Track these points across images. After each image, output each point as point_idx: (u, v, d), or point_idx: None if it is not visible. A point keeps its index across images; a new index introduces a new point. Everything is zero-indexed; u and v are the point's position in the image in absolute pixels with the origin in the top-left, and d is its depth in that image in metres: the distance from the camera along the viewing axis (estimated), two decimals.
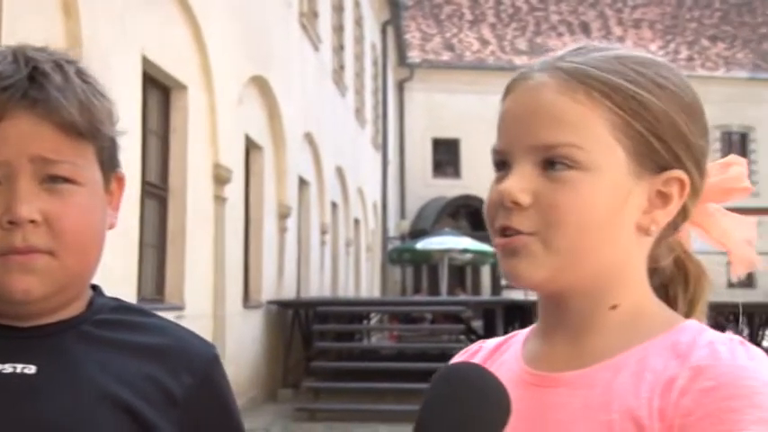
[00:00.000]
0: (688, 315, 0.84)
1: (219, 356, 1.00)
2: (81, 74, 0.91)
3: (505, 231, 0.79)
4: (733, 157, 0.88)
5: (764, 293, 24.96)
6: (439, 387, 0.72)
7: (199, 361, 0.97)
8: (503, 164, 0.82)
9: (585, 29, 28.83)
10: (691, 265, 0.86)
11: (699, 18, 30.32)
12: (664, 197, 0.80)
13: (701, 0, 30.77)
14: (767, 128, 27.83)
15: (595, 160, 0.77)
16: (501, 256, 0.81)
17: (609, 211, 0.78)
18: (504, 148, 0.82)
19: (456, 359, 0.94)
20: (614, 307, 0.80)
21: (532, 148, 0.79)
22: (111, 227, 0.96)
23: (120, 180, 0.98)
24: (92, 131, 0.90)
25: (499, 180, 0.81)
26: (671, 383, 0.72)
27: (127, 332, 0.95)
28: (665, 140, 0.79)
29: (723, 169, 0.87)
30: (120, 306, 0.98)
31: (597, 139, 0.78)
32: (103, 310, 0.96)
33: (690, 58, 28.63)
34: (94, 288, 0.99)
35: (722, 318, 10.96)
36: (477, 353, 0.93)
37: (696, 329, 0.77)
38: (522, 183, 0.78)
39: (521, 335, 0.91)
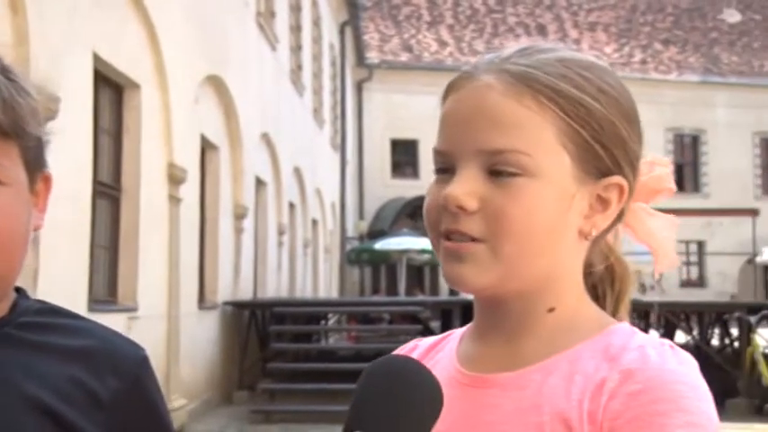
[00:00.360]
0: (614, 313, 0.85)
1: (148, 358, 0.98)
2: (5, 71, 0.88)
3: (452, 235, 0.78)
4: (657, 158, 0.88)
5: (715, 293, 25.46)
6: (371, 379, 0.71)
7: (126, 363, 0.95)
8: (444, 165, 0.81)
9: (542, 31, 29.13)
10: (617, 266, 0.87)
11: (652, 22, 30.83)
12: (603, 202, 0.80)
13: (654, 4, 31.29)
14: (718, 130, 28.41)
15: (542, 166, 0.76)
16: (445, 260, 0.79)
17: (554, 217, 0.77)
18: (447, 150, 0.80)
19: None
20: (551, 310, 0.80)
21: (478, 152, 0.77)
22: (37, 228, 0.94)
23: (47, 180, 0.96)
24: (16, 130, 0.87)
25: (441, 182, 0.80)
26: (601, 386, 0.73)
27: (51, 335, 0.93)
28: (607, 147, 0.79)
29: (649, 168, 0.87)
30: (44, 308, 0.96)
31: (544, 145, 0.77)
32: (27, 313, 0.93)
33: (643, 62, 29.10)
34: (18, 290, 0.96)
35: (674, 317, 11.17)
36: (412, 351, 0.92)
37: (627, 332, 0.77)
38: (467, 187, 0.77)
39: (456, 334, 0.90)
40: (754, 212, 16.40)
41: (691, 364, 0.73)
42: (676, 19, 30.94)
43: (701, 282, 27.46)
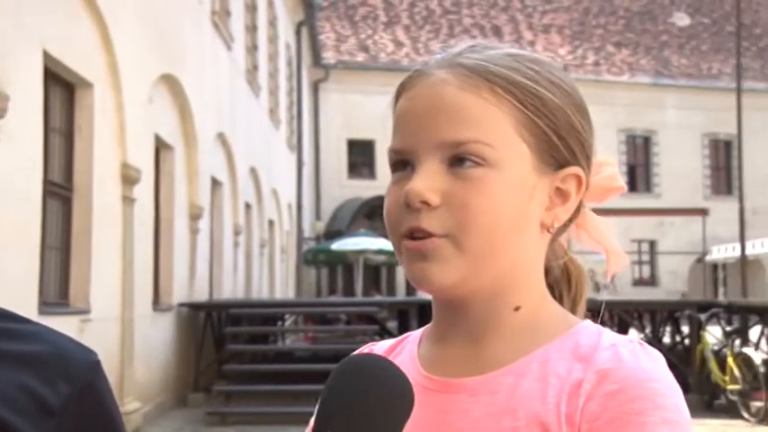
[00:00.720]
0: (573, 313, 0.84)
1: (101, 363, 0.96)
2: None
3: (414, 234, 0.77)
4: (605, 158, 0.88)
5: (666, 292, 25.94)
6: (340, 378, 0.69)
7: (77, 368, 0.91)
8: (402, 164, 0.79)
9: (497, 32, 29.37)
10: (572, 267, 0.86)
11: (604, 25, 31.29)
12: (562, 194, 0.80)
13: (606, 7, 31.76)
14: (668, 132, 28.95)
15: (502, 157, 0.76)
16: (408, 260, 0.78)
17: (517, 208, 0.77)
18: (405, 147, 0.79)
19: None
20: (517, 309, 0.79)
21: (438, 146, 0.76)
22: None
23: None
24: None
25: (400, 181, 0.78)
26: (577, 388, 0.72)
27: None
28: (563, 137, 0.79)
29: (598, 169, 0.86)
30: None
31: (503, 135, 0.76)
32: None
33: (596, 63, 29.53)
34: None
35: (627, 315, 11.35)
36: None
37: (594, 331, 0.77)
38: (429, 182, 0.75)
39: (414, 336, 0.88)
40: (703, 212, 16.74)
41: (661, 361, 0.74)
42: (628, 22, 31.45)
43: (652, 280, 27.95)
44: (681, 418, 0.70)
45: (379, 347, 0.90)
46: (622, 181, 0.88)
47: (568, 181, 0.80)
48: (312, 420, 0.90)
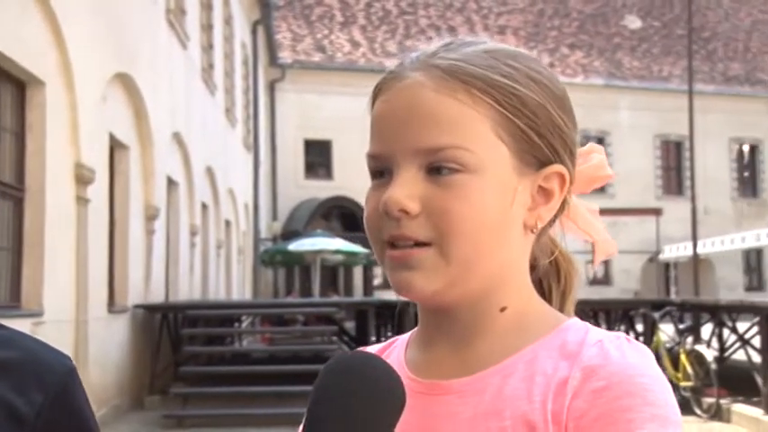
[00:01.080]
0: (561, 308, 0.84)
1: (76, 369, 0.92)
2: None
3: (396, 241, 0.75)
4: (593, 146, 0.87)
5: (619, 290, 26.36)
6: (330, 377, 0.68)
7: (51, 375, 0.89)
8: (380, 169, 0.78)
9: (453, 33, 29.45)
10: (562, 260, 0.86)
11: (559, 27, 31.65)
12: (545, 193, 0.79)
13: (560, 10, 32.13)
14: (621, 132, 29.40)
15: (482, 161, 0.74)
16: (392, 269, 0.76)
17: (499, 212, 0.75)
18: (382, 153, 0.77)
19: None
20: (503, 309, 0.78)
21: (416, 152, 0.75)
22: None
23: None
24: None
25: (379, 187, 0.77)
26: (563, 385, 0.71)
27: None
28: (543, 135, 0.77)
29: (585, 158, 0.85)
30: None
31: (481, 138, 0.75)
32: None
33: (551, 65, 29.83)
34: None
35: (583, 314, 11.51)
36: None
37: (581, 328, 0.76)
38: (407, 189, 0.74)
39: (401, 340, 0.87)
40: (657, 212, 17.03)
41: (649, 356, 0.73)
42: (581, 24, 31.86)
43: (606, 280, 28.36)
44: (670, 413, 0.70)
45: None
46: (610, 169, 0.87)
47: (551, 179, 0.79)
48: (303, 422, 0.89)
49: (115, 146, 9.44)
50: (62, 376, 0.90)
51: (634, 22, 30.52)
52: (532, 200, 0.78)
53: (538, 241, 0.82)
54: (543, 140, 0.77)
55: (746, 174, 31.06)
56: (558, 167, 0.79)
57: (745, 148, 31.03)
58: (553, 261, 0.85)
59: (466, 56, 0.77)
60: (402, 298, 0.79)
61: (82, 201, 7.86)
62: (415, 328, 0.85)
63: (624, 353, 0.72)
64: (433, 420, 0.76)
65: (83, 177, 7.81)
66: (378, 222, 0.76)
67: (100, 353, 8.32)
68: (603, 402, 0.69)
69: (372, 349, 0.89)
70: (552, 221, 0.82)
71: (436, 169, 0.74)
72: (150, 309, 10.23)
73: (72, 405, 0.91)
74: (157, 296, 11.00)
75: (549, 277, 0.85)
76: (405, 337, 0.87)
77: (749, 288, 29.71)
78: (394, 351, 0.86)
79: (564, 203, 0.81)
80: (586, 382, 0.70)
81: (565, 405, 0.70)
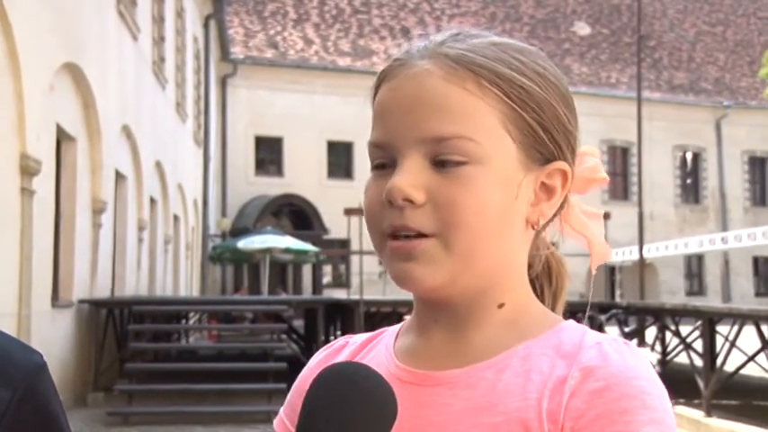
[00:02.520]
0: (552, 308, 0.84)
1: (46, 365, 0.88)
2: None
3: (398, 232, 0.73)
4: (588, 148, 0.87)
5: (566, 293, 26.73)
6: (321, 389, 0.66)
7: (18, 372, 0.85)
8: (383, 159, 0.76)
9: (406, 34, 29.60)
10: (553, 261, 0.85)
11: (510, 31, 31.98)
12: (548, 189, 0.78)
13: (511, 14, 32.50)
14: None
15: (488, 153, 0.73)
16: (391, 260, 0.74)
17: (504, 206, 0.74)
18: (387, 141, 0.75)
19: (320, 354, 0.88)
20: (501, 305, 0.77)
21: (422, 141, 0.73)
22: None
23: None
24: None
25: (381, 178, 0.75)
26: (561, 384, 0.70)
27: None
28: (549, 131, 0.77)
29: (580, 159, 0.84)
30: None
31: (488, 130, 0.73)
32: None
33: None
34: None
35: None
36: (343, 348, 0.87)
37: (577, 330, 0.75)
38: (412, 178, 0.72)
39: (390, 330, 0.86)
40: (606, 216, 17.34)
41: (646, 360, 0.72)
42: (532, 29, 32.26)
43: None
44: (668, 418, 0.69)
45: (355, 340, 0.88)
46: (604, 172, 0.87)
47: (554, 176, 0.78)
48: (282, 410, 0.88)
49: (62, 137, 9.24)
50: (30, 373, 0.87)
51: (583, 29, 31.01)
52: (535, 195, 0.78)
53: (537, 238, 0.82)
54: (548, 136, 0.77)
55: (689, 181, 31.80)
56: (561, 164, 0.78)
57: (689, 155, 31.77)
58: (545, 262, 0.85)
59: (474, 46, 0.77)
60: (403, 291, 0.77)
61: (27, 192, 7.67)
62: (405, 320, 0.85)
63: (623, 355, 0.71)
64: (421, 411, 0.75)
65: (28, 169, 7.62)
66: (379, 212, 0.75)
67: (43, 348, 8.06)
68: (602, 403, 0.68)
69: (359, 338, 0.88)
70: (551, 219, 0.81)
71: (442, 160, 0.73)
72: (96, 304, 10.04)
73: (40, 402, 0.87)
74: (103, 291, 10.80)
75: (541, 278, 0.85)
76: (394, 327, 0.86)
77: (690, 293, 30.44)
78: (382, 341, 0.85)
79: (564, 202, 0.81)
80: (585, 382, 0.69)
81: (562, 404, 0.69)
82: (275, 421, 0.89)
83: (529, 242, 0.80)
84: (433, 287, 0.75)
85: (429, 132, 0.73)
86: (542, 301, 0.83)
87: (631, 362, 0.71)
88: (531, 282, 0.82)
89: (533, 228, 0.79)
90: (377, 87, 0.79)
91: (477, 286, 0.76)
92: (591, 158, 0.86)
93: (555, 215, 0.81)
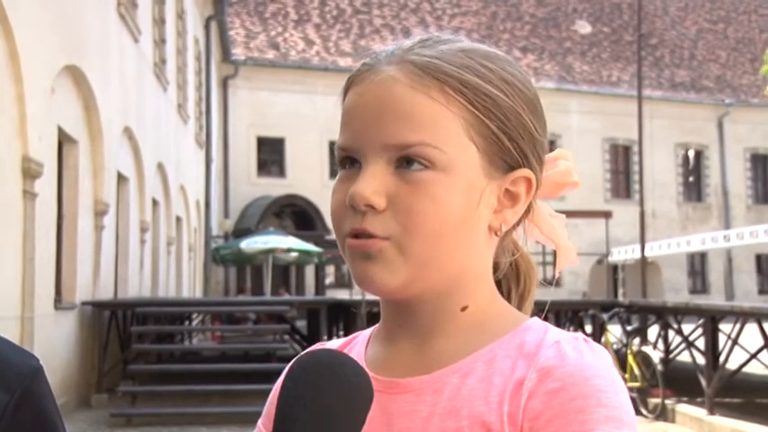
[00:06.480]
0: (519, 309, 0.84)
1: (43, 369, 0.89)
2: None
3: (357, 234, 0.75)
4: (561, 152, 0.87)
5: (568, 292, 26.71)
6: (296, 376, 0.67)
7: (14, 375, 0.85)
8: (348, 160, 0.77)
9: (407, 34, 29.47)
10: (522, 262, 0.86)
11: (511, 30, 31.98)
12: (512, 196, 0.78)
13: (513, 13, 32.47)
14: (572, 135, 29.81)
15: (451, 160, 0.74)
16: (352, 260, 0.76)
17: (464, 213, 0.75)
18: (352, 146, 0.76)
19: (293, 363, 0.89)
20: (464, 309, 0.78)
21: (386, 147, 0.74)
22: None
23: None
24: None
25: (346, 180, 0.76)
26: (519, 386, 0.71)
27: None
28: (514, 139, 0.77)
29: (552, 163, 0.85)
30: None
31: (452, 138, 0.74)
32: None
33: None
34: None
35: (532, 315, 11.63)
36: None
37: (541, 328, 0.76)
38: (375, 184, 0.73)
39: (363, 336, 0.86)
40: (607, 215, 17.31)
41: (606, 358, 0.73)
42: (533, 28, 32.23)
43: (556, 281, 28.75)
44: (625, 415, 0.69)
45: (329, 347, 0.88)
46: (577, 176, 0.87)
47: (518, 183, 0.79)
48: (260, 421, 0.88)
49: (64, 140, 9.26)
50: (26, 376, 0.87)
51: (584, 27, 30.97)
52: (498, 202, 0.78)
53: (502, 242, 0.82)
54: (513, 144, 0.77)
55: (692, 178, 31.77)
56: (525, 172, 0.79)
57: (691, 153, 31.74)
58: (513, 263, 0.85)
59: (441, 53, 0.77)
60: (367, 294, 0.78)
61: (29, 195, 7.69)
62: (377, 325, 0.85)
63: (581, 354, 0.72)
64: (389, 419, 0.75)
65: (30, 171, 7.64)
66: (343, 215, 0.76)
67: (46, 350, 8.14)
68: (558, 403, 0.69)
69: (334, 345, 0.88)
70: (517, 225, 0.82)
71: (405, 164, 0.74)
72: (99, 306, 10.05)
73: (36, 406, 0.88)
74: (106, 293, 10.82)
75: (508, 279, 0.86)
76: (366, 332, 0.86)
77: (693, 291, 30.40)
78: (355, 347, 0.86)
79: (529, 207, 0.81)
80: (542, 383, 0.70)
81: (521, 406, 0.70)
82: None
83: (493, 247, 0.80)
84: (389, 290, 0.75)
85: (393, 139, 0.74)
86: (509, 301, 0.84)
87: (589, 360, 0.71)
88: (498, 282, 0.83)
89: (496, 234, 0.79)
90: (345, 91, 0.80)
91: (436, 290, 0.77)
92: (563, 162, 0.87)
93: (519, 221, 0.82)
